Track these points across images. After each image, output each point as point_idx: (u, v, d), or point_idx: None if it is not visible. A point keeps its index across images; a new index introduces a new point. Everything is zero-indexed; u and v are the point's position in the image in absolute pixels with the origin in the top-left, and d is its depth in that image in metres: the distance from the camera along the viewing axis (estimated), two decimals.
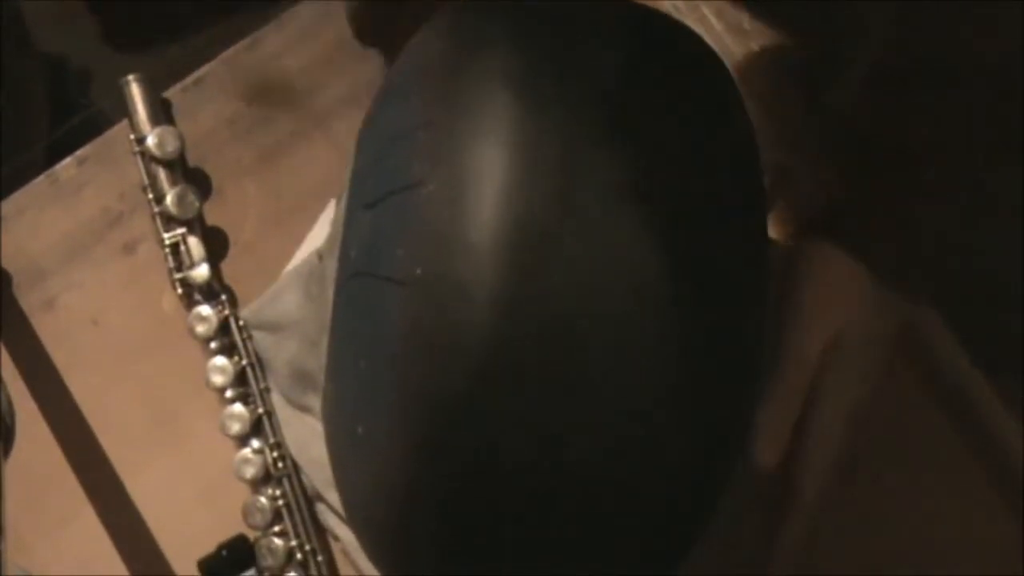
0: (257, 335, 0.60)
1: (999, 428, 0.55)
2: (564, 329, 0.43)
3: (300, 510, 0.58)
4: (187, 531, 0.58)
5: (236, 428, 0.58)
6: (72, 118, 0.80)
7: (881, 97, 0.55)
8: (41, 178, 0.64)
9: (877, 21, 0.54)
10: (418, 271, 0.43)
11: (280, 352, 0.59)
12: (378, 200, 0.46)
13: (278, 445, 0.59)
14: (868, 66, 0.56)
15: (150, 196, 0.61)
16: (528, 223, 0.43)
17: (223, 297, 0.61)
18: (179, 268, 0.61)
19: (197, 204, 0.61)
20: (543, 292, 0.42)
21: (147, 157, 0.61)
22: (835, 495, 0.53)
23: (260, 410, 0.59)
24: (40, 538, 0.59)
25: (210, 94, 0.65)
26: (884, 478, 0.55)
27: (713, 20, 0.60)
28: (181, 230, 0.61)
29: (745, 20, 0.60)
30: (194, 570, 0.57)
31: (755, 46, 0.59)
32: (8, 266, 0.62)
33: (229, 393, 0.59)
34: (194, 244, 0.61)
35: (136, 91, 0.62)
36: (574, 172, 0.44)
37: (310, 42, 0.65)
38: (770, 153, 0.50)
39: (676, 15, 0.58)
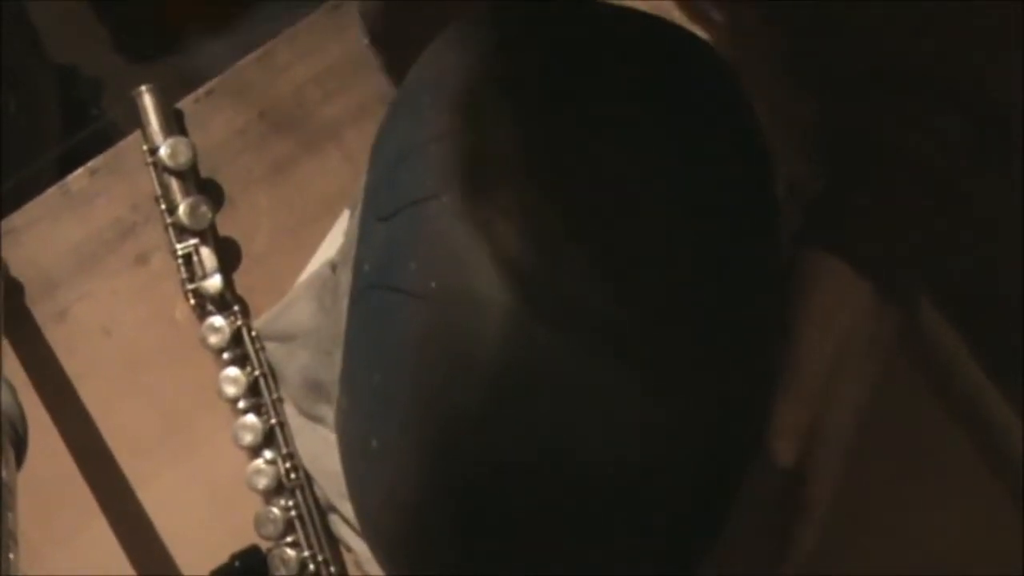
0: (270, 346, 0.60)
1: (1006, 431, 0.55)
2: (576, 339, 0.43)
3: (313, 521, 0.58)
4: (199, 542, 0.58)
5: (249, 439, 0.58)
6: (84, 129, 0.81)
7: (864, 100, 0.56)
8: (53, 189, 0.64)
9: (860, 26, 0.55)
10: (432, 284, 0.43)
11: (292, 363, 0.59)
12: (392, 213, 0.46)
13: (291, 456, 0.59)
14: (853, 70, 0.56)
15: (162, 207, 0.62)
16: (541, 234, 0.43)
17: (235, 308, 0.61)
18: (192, 279, 0.61)
19: (210, 215, 0.61)
20: (556, 304, 0.43)
21: (159, 168, 0.62)
22: (841, 496, 0.54)
23: (273, 421, 0.59)
24: (52, 548, 0.59)
25: (222, 105, 0.65)
26: (890, 480, 0.55)
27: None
28: (194, 241, 0.61)
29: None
30: None
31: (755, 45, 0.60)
32: (20, 276, 0.62)
33: (242, 404, 0.59)
34: (207, 255, 0.61)
35: (148, 102, 0.62)
36: (589, 183, 0.44)
37: (321, 53, 0.65)
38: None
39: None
